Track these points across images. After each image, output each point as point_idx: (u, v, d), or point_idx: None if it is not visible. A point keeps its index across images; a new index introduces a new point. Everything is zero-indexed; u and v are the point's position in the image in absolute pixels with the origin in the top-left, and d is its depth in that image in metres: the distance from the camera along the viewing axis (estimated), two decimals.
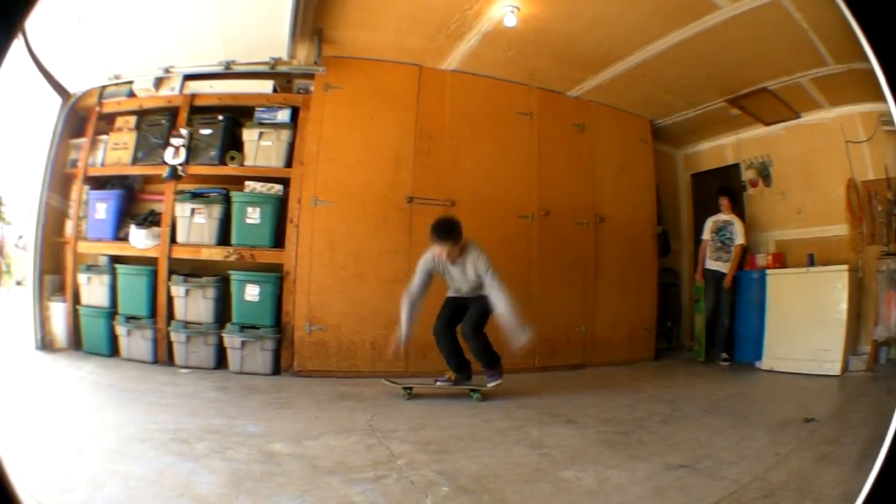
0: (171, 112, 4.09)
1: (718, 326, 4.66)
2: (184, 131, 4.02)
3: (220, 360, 3.86)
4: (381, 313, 3.89)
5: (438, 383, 3.44)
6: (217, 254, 3.95)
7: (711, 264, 4.73)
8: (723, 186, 4.89)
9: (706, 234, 4.79)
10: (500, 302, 3.20)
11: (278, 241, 3.98)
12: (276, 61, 3.99)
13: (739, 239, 4.65)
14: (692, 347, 4.82)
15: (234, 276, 3.88)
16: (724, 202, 4.78)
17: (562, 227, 4.51)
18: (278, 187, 4.04)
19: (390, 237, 4.08)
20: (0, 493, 1.13)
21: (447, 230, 3.32)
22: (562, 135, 4.59)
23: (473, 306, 3.37)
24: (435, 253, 3.34)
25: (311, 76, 4.09)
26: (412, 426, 2.77)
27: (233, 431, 2.57)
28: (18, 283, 3.98)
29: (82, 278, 3.98)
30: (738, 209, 4.79)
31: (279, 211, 4.00)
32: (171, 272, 3.93)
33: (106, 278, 3.96)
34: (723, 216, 4.76)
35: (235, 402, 3.20)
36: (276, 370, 3.85)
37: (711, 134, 5.09)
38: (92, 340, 3.90)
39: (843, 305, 4.01)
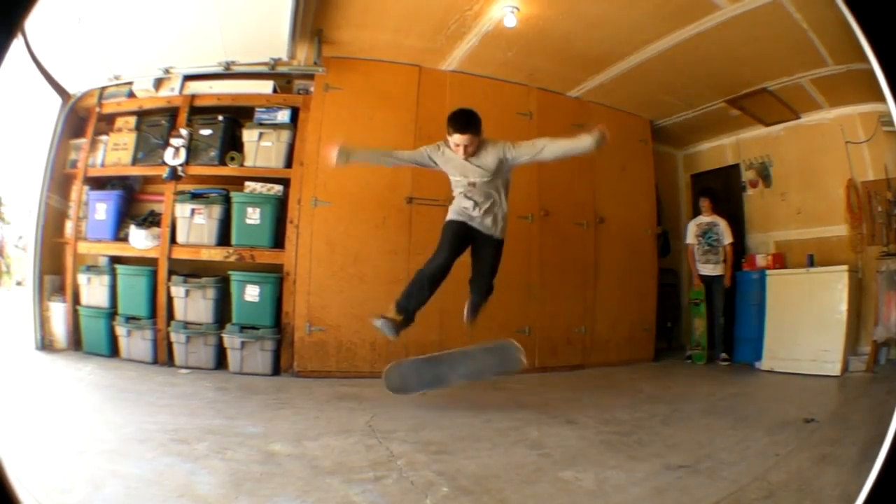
0: (171, 112, 4.09)
1: (716, 327, 4.65)
2: (184, 132, 4.02)
3: (220, 361, 3.85)
4: (380, 314, 3.87)
5: (378, 323, 3.04)
6: (217, 254, 3.95)
7: (703, 268, 4.72)
8: (703, 188, 4.89)
9: (690, 238, 4.76)
10: (562, 145, 3.05)
11: (278, 241, 3.97)
12: (276, 62, 3.99)
13: (728, 238, 4.64)
14: (690, 356, 4.77)
15: (234, 276, 3.88)
16: (704, 203, 4.76)
17: (562, 227, 4.51)
18: (278, 188, 4.04)
19: (390, 237, 4.08)
20: (0, 493, 1.13)
21: (472, 118, 2.93)
22: (562, 135, 4.58)
23: (488, 255, 3.12)
24: (452, 142, 2.94)
25: (310, 77, 4.09)
26: (412, 426, 2.76)
27: (232, 432, 2.56)
28: (18, 284, 3.98)
29: (82, 279, 3.97)
30: (720, 209, 4.77)
31: (279, 211, 3.99)
32: (170, 272, 3.93)
33: (106, 279, 3.96)
34: (705, 218, 4.74)
35: (235, 402, 3.19)
36: (276, 371, 3.85)
37: (711, 134, 5.09)
38: (92, 341, 3.90)
39: (843, 306, 4.00)
